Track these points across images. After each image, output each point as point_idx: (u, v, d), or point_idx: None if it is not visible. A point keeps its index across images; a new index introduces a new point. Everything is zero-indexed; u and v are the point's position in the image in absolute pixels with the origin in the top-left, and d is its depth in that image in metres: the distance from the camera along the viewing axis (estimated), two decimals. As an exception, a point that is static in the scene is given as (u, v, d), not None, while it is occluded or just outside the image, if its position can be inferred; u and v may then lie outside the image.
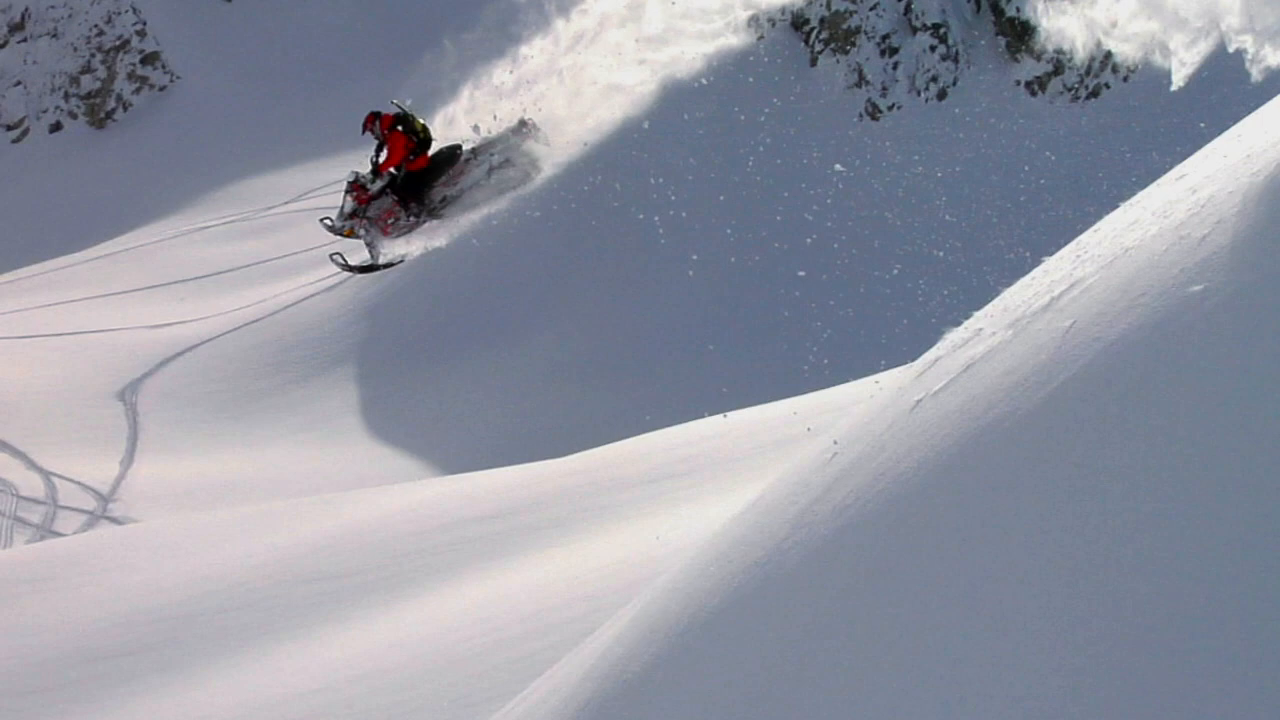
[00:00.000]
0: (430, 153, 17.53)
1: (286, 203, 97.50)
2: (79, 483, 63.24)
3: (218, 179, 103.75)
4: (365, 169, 17.42)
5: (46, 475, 64.88)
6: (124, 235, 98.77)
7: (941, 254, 69.79)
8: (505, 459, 43.44)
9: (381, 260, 17.49)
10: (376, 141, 17.40)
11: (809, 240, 72.91)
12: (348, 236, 17.32)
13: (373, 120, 17.48)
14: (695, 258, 73.97)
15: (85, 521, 58.91)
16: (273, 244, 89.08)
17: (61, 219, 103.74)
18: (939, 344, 7.54)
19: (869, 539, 5.87)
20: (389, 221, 17.23)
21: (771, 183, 77.63)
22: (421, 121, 17.47)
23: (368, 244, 17.37)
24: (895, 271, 69.52)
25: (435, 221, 17.36)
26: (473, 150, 17.77)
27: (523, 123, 17.53)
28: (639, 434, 37.69)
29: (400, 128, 17.37)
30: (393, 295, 73.08)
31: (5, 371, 76.59)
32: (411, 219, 17.34)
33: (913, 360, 8.11)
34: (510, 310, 75.96)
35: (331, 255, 17.54)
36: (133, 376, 76.70)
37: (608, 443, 37.49)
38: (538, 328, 76.69)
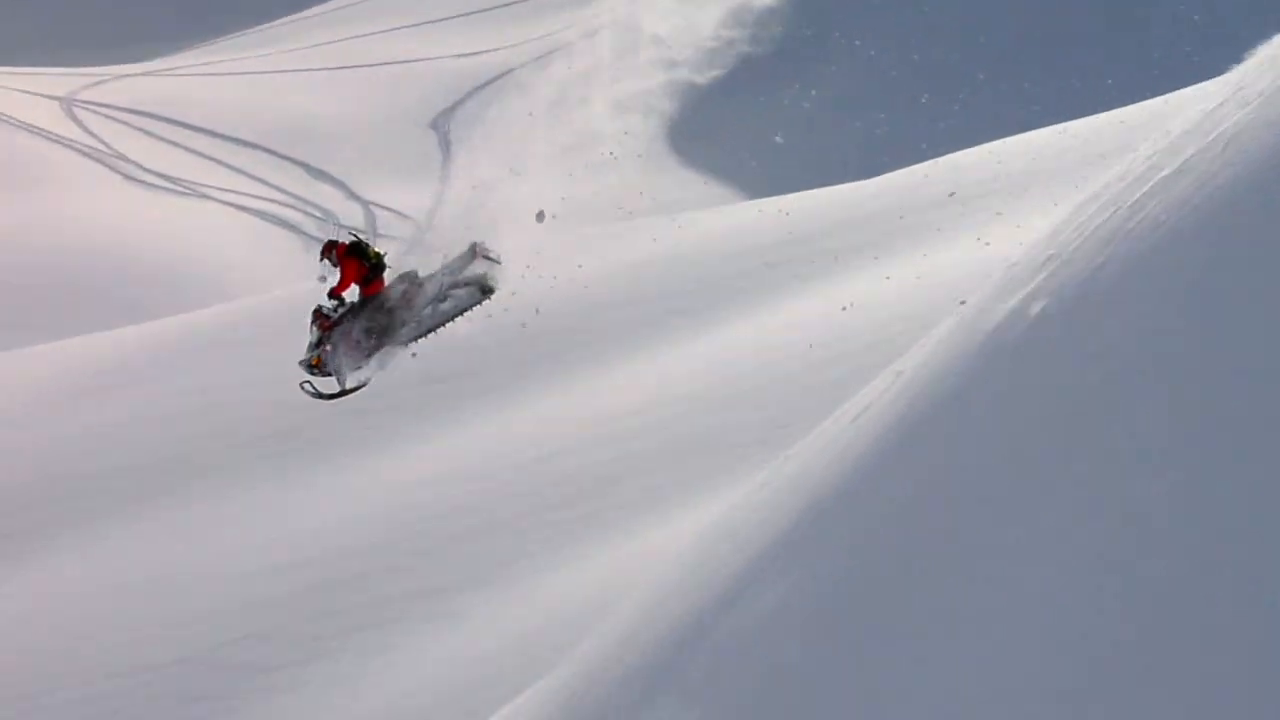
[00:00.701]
0: (386, 278, 18.03)
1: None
2: (396, 211, 64.79)
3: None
4: (326, 300, 17.94)
5: (365, 204, 66.61)
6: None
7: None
8: (811, 183, 43.29)
9: (350, 384, 18.02)
10: (336, 269, 17.94)
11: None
12: (316, 365, 17.80)
13: (329, 249, 17.99)
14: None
15: (405, 250, 60.35)
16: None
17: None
18: (1262, 47, 7.24)
19: (1184, 254, 5.78)
20: (351, 346, 17.78)
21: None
22: (376, 250, 17.92)
23: (334, 370, 17.87)
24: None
25: (396, 346, 18.02)
26: (428, 275, 18.16)
27: (473, 246, 17.99)
28: (944, 154, 37.19)
29: (355, 255, 17.87)
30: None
31: (321, 103, 78.33)
32: (372, 342, 17.92)
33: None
34: (812, 34, 74.94)
35: (301, 384, 18.00)
36: (444, 105, 77.82)
37: (914, 164, 37.09)
38: (843, 49, 75.64)
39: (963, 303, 8.10)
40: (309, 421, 26.13)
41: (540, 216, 18.00)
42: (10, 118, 71.36)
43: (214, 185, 67.78)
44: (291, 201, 67.00)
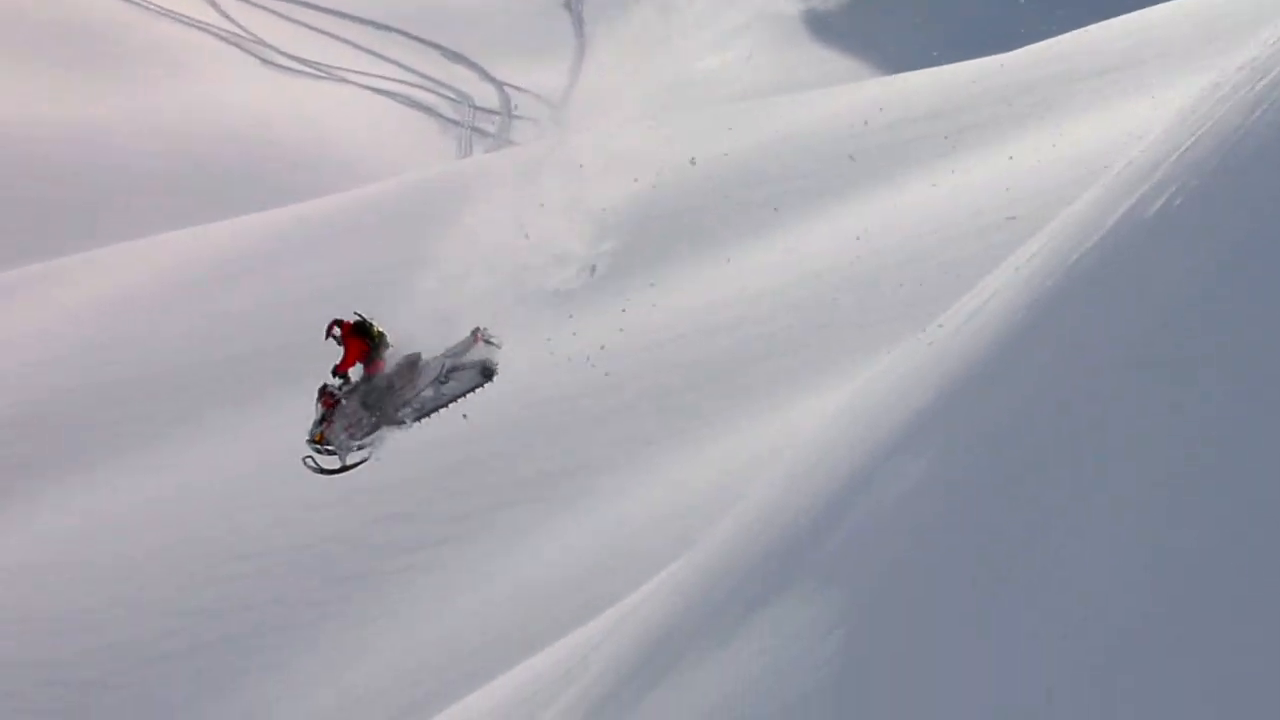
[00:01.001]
0: (387, 357, 18.16)
1: None
2: (531, 92, 64.76)
3: None
4: (332, 379, 18.10)
5: (500, 86, 66.63)
6: None
7: None
8: (942, 58, 42.75)
9: (351, 460, 18.21)
10: (340, 347, 18.06)
11: None
12: (319, 442, 17.96)
13: (334, 326, 18.09)
14: None
15: (538, 130, 60.43)
16: None
17: None
18: None
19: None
20: (353, 424, 17.98)
21: None
22: (379, 329, 17.99)
23: (337, 447, 18.05)
24: None
25: (395, 425, 18.22)
26: (431, 357, 18.27)
27: (475, 331, 18.11)
28: (1082, 27, 36.58)
29: (358, 334, 17.99)
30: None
31: (456, -15, 78.25)
32: (373, 420, 18.16)
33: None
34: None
35: (304, 458, 18.20)
36: (577, -15, 77.51)
37: (1050, 37, 36.51)
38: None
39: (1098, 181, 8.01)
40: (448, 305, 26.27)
41: (593, 270, 18.43)
42: (150, 3, 71.97)
43: (350, 68, 68.07)
44: (427, 84, 67.15)
